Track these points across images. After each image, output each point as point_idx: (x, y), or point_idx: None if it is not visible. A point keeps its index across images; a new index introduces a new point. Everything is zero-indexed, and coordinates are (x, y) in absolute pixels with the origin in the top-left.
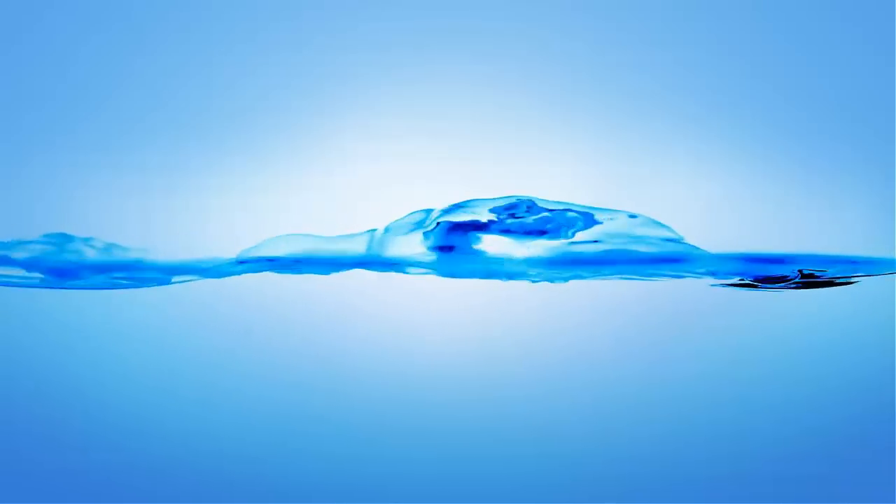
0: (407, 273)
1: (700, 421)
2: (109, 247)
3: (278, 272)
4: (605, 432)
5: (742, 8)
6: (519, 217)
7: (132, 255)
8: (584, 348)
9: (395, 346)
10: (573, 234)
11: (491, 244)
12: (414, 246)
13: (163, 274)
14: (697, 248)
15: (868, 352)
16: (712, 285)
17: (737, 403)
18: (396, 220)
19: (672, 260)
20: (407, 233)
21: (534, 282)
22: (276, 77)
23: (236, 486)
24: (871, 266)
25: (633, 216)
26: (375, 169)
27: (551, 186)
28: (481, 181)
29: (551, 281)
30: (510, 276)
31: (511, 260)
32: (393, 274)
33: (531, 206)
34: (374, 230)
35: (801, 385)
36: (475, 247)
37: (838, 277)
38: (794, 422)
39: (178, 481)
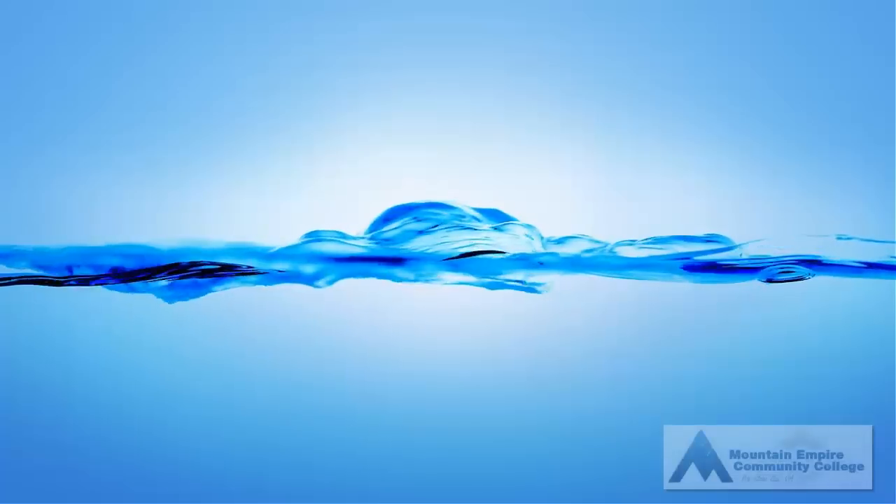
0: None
1: (698, 421)
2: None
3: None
4: (605, 432)
5: (742, 8)
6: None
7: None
8: (583, 348)
9: (393, 347)
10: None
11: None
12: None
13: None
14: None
15: (868, 351)
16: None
17: (736, 403)
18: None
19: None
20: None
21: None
22: (278, 78)
23: (238, 487)
24: (871, 271)
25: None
26: (379, 170)
27: (552, 186)
28: (481, 182)
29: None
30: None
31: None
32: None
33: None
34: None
35: (801, 385)
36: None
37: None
38: (793, 421)
39: (179, 483)
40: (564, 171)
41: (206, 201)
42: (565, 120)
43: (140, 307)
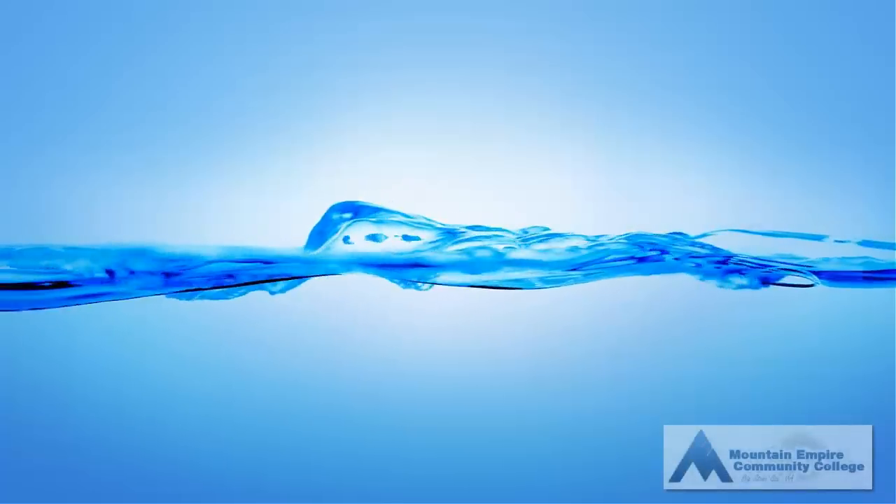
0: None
1: (698, 421)
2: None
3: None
4: (605, 432)
5: (742, 8)
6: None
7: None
8: (583, 348)
9: (392, 347)
10: None
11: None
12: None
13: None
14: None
15: (868, 352)
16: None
17: (736, 403)
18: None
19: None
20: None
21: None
22: (278, 78)
23: (238, 487)
24: (872, 282)
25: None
26: (379, 170)
27: (552, 186)
28: (482, 182)
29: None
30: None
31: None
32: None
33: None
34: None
35: (801, 385)
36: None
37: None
38: (793, 421)
39: (179, 483)
40: (564, 171)
41: (206, 201)
42: (565, 120)
43: (140, 307)
